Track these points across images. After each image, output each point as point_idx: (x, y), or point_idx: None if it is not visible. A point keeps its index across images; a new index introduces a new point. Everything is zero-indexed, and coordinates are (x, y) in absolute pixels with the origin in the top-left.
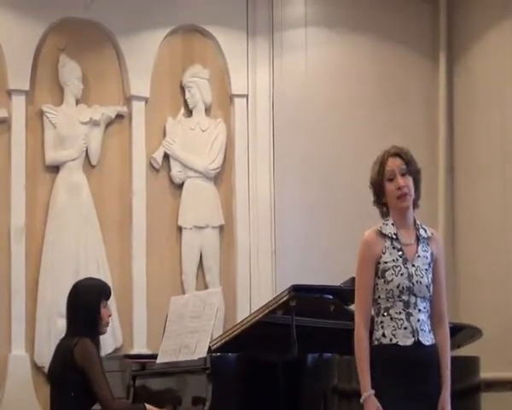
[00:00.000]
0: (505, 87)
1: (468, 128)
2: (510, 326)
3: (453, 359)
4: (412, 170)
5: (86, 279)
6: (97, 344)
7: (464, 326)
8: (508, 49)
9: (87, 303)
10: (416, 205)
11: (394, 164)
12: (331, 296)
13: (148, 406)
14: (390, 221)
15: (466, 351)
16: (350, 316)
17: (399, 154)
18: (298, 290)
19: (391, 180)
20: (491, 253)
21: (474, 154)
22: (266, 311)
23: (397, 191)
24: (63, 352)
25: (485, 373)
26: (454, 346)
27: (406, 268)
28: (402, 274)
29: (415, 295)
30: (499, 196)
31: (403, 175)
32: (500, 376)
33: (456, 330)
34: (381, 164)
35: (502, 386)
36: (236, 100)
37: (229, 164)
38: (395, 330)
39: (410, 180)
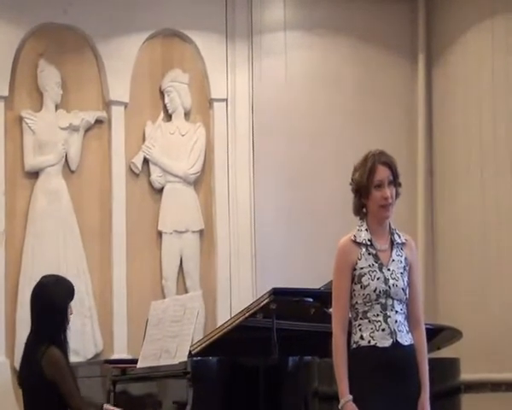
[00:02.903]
0: (484, 88)
1: (446, 129)
2: (490, 327)
3: (433, 360)
4: (397, 182)
5: (52, 276)
6: (66, 350)
7: (444, 328)
8: (486, 50)
9: (57, 306)
10: None
11: (384, 174)
12: (311, 299)
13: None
14: (364, 227)
15: (446, 353)
16: (330, 319)
17: (388, 164)
18: (278, 294)
19: (378, 187)
20: (471, 255)
21: (452, 156)
22: (247, 314)
23: (383, 200)
24: (31, 361)
25: (466, 375)
26: (434, 348)
27: (382, 272)
28: (378, 278)
29: (391, 297)
30: (478, 198)
31: (389, 185)
32: (480, 377)
33: (435, 331)
34: (371, 170)
35: (482, 387)
36: (216, 104)
37: (209, 168)
38: (373, 332)
39: (393, 191)
